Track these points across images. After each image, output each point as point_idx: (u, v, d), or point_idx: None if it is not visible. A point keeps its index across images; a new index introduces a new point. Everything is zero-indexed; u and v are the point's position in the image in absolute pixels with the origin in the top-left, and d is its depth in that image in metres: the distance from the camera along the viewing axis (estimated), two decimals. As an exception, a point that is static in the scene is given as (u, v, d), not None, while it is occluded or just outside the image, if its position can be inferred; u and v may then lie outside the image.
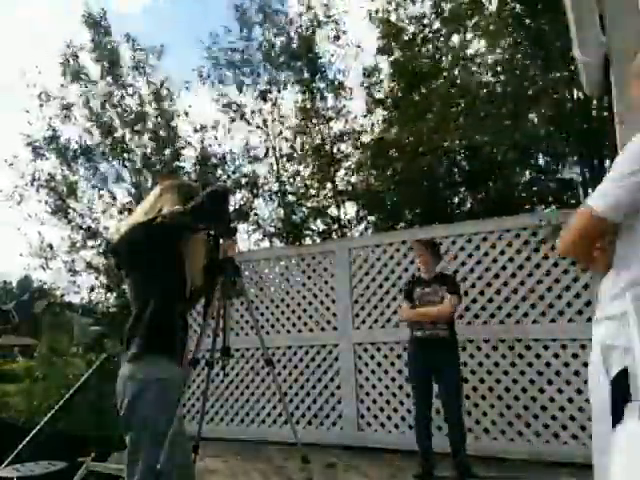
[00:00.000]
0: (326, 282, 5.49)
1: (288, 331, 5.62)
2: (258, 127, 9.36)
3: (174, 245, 2.07)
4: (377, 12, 8.88)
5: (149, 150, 9.27)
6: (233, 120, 9.35)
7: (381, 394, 5.00)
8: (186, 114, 9.43)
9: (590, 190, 7.33)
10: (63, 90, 9.33)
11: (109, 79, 9.43)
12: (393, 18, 8.86)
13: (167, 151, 9.26)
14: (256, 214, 9.32)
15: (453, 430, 3.82)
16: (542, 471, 4.04)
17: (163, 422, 1.87)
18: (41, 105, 9.18)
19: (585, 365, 4.09)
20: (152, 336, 1.96)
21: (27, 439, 3.98)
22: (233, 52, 9.36)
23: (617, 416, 1.32)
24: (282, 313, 5.69)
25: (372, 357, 5.10)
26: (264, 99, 9.24)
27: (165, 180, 2.40)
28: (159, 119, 9.41)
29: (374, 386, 5.05)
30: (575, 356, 4.22)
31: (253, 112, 9.34)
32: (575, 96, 5.89)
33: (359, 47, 9.14)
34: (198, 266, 2.22)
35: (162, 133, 9.27)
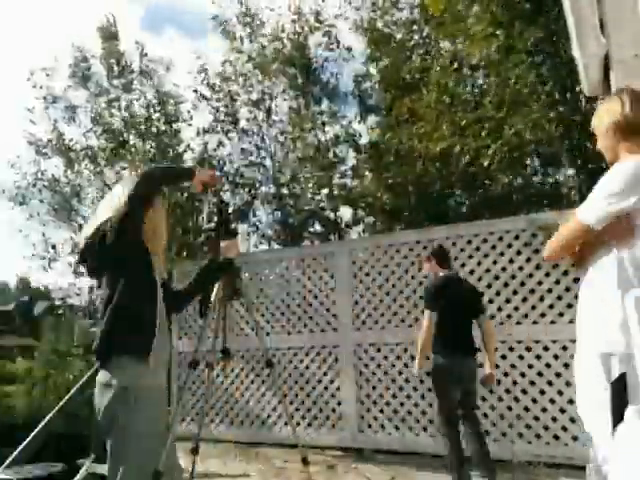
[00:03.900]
0: (326, 283, 5.49)
1: (288, 332, 5.61)
2: (253, 134, 9.38)
3: (131, 237, 1.93)
4: (362, 20, 8.84)
5: (151, 153, 9.26)
6: (227, 130, 9.37)
7: (381, 396, 4.99)
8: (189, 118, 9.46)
9: (584, 191, 7.33)
10: (69, 92, 9.33)
11: (115, 82, 9.43)
12: (380, 25, 8.80)
13: (169, 155, 9.25)
14: (255, 215, 9.34)
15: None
16: (542, 472, 4.03)
17: (140, 425, 1.81)
18: (47, 107, 9.18)
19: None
20: (117, 337, 1.88)
21: (26, 441, 3.97)
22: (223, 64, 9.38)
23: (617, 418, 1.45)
24: (282, 314, 5.69)
25: (372, 358, 5.09)
26: (257, 107, 9.26)
27: None
28: (162, 123, 9.41)
29: (374, 387, 5.04)
30: (575, 357, 4.20)
31: (247, 120, 9.37)
32: (568, 97, 5.88)
33: (348, 50, 9.15)
34: (161, 243, 2.11)
35: (165, 137, 9.27)
